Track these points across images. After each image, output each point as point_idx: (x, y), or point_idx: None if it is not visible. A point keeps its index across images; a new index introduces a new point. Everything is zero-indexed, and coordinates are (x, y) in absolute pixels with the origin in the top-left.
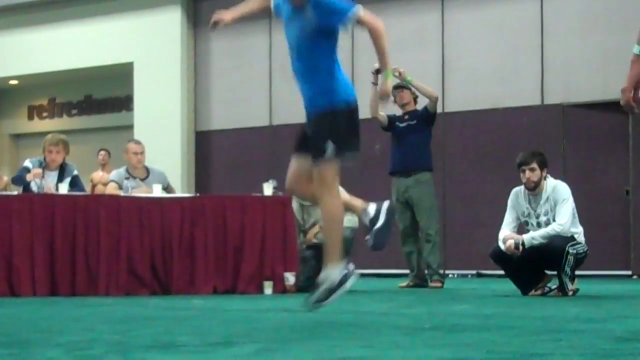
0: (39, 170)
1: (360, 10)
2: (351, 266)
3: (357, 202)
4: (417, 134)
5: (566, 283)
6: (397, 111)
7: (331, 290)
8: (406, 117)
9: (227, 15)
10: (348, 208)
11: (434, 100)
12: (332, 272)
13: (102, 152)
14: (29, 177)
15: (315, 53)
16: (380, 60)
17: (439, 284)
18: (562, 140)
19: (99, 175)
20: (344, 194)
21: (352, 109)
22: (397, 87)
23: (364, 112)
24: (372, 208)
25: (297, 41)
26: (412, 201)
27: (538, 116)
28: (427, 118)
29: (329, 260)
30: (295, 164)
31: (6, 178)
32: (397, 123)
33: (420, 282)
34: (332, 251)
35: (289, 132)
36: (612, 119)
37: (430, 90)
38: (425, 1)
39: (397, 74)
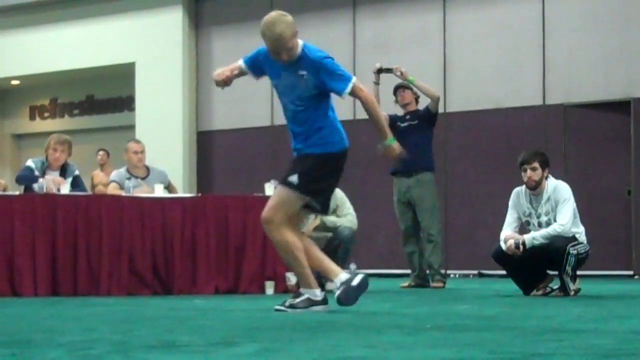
0: (59, 179)
1: (357, 82)
2: (352, 266)
3: (334, 267)
4: (419, 134)
5: (568, 283)
6: (399, 111)
7: (310, 303)
8: (407, 117)
9: (225, 71)
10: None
11: (435, 100)
12: (311, 292)
13: (101, 152)
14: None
15: (312, 112)
16: (379, 128)
17: (440, 284)
18: (564, 140)
19: (99, 175)
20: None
21: (332, 156)
22: (398, 87)
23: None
24: (344, 275)
25: (295, 96)
26: (414, 201)
27: (539, 116)
28: (428, 118)
29: (302, 286)
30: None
31: (3, 181)
32: (399, 123)
33: (421, 282)
34: (301, 279)
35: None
36: (613, 119)
37: (432, 90)
38: (427, 1)
39: (398, 73)
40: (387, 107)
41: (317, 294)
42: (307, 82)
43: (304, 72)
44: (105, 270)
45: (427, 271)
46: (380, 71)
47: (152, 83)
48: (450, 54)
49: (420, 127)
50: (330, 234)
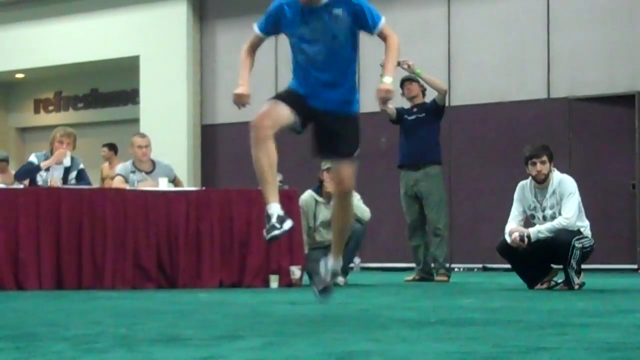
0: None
1: (385, 24)
2: (357, 259)
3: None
4: (426, 127)
5: (572, 277)
6: (406, 104)
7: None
8: (415, 109)
9: (244, 91)
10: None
11: (442, 93)
12: (339, 264)
13: (105, 149)
14: (45, 164)
15: (347, 55)
16: (388, 63)
17: (445, 278)
18: (568, 133)
19: (106, 168)
20: None
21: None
22: (405, 80)
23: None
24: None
25: (327, 48)
26: (421, 195)
27: (544, 110)
28: (435, 111)
29: (338, 253)
30: (279, 109)
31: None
32: (406, 116)
33: (426, 276)
34: (342, 246)
35: None
36: (618, 113)
37: (439, 83)
38: None
39: (405, 66)
40: (394, 100)
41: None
42: (342, 22)
43: (339, 11)
44: (110, 264)
45: (432, 265)
46: None
47: (156, 76)
48: (455, 48)
49: (428, 120)
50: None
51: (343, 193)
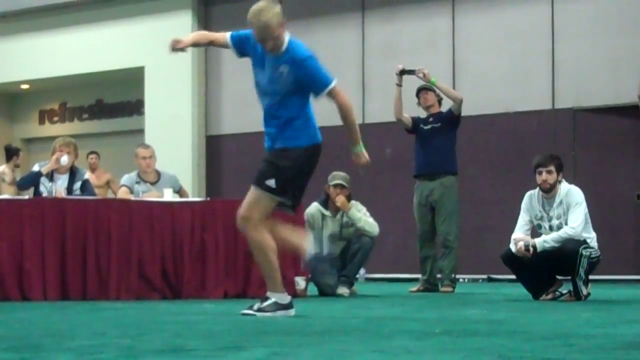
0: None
1: (337, 86)
2: (362, 270)
3: (298, 240)
4: (442, 137)
5: (580, 287)
6: (422, 113)
7: (277, 307)
8: (430, 119)
9: (185, 39)
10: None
11: (458, 102)
12: (278, 296)
13: (92, 156)
14: (45, 169)
15: (287, 106)
16: (350, 134)
17: (450, 289)
18: (573, 144)
19: (91, 177)
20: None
21: (306, 150)
22: (421, 89)
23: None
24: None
25: (271, 90)
26: (435, 205)
27: (549, 120)
28: (451, 120)
29: (270, 289)
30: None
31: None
32: (422, 125)
33: (430, 287)
34: (270, 282)
35: None
36: (623, 124)
37: (454, 92)
38: (436, 5)
39: (421, 75)
40: (410, 109)
41: (284, 298)
42: (286, 78)
43: (285, 68)
44: (115, 274)
45: (438, 276)
46: (402, 73)
47: (161, 87)
48: (460, 58)
49: (444, 129)
50: (343, 243)
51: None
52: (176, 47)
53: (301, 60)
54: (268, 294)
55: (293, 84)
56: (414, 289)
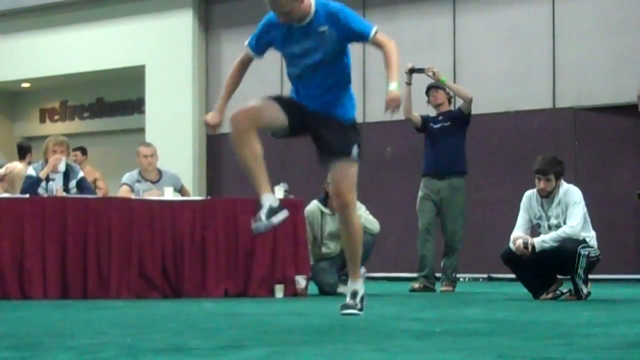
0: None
1: (378, 31)
2: (362, 269)
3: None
4: (452, 136)
5: (580, 286)
6: (431, 112)
7: (363, 299)
8: (440, 118)
9: (216, 117)
10: None
11: (468, 101)
12: (360, 285)
13: (76, 152)
14: (43, 173)
15: (337, 69)
16: (391, 70)
17: (450, 288)
18: (574, 143)
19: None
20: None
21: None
22: (431, 88)
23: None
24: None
25: (319, 57)
26: (442, 204)
27: (550, 119)
28: (461, 119)
29: (356, 274)
30: (266, 105)
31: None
32: (431, 124)
33: (430, 285)
34: (358, 265)
35: None
36: (624, 123)
37: (464, 91)
38: (437, 4)
39: (430, 73)
40: (420, 108)
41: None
42: (330, 37)
43: (324, 28)
44: (115, 273)
45: (438, 274)
46: (412, 71)
47: (162, 86)
48: (460, 57)
49: (453, 128)
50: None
51: (341, 205)
52: (214, 126)
53: (338, 12)
54: (355, 282)
55: (338, 41)
56: (415, 286)
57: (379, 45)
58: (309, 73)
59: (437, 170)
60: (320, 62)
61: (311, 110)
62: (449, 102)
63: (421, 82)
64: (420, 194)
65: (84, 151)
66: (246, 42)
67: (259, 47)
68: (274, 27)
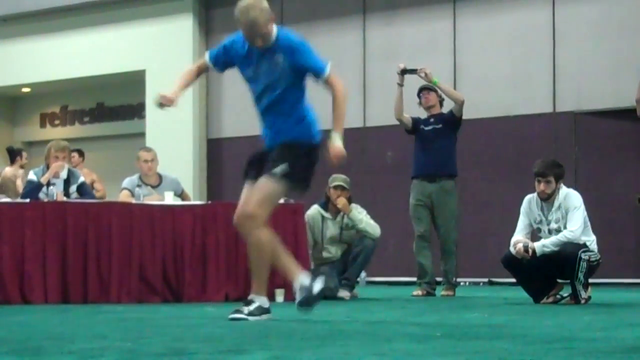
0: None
1: (331, 71)
2: (362, 274)
3: (294, 267)
4: (443, 139)
5: (579, 291)
6: (422, 113)
7: (262, 311)
8: (431, 120)
9: (171, 95)
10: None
11: (460, 104)
12: (262, 300)
13: (73, 154)
14: (44, 178)
15: (290, 100)
16: (336, 121)
17: (451, 292)
18: (574, 147)
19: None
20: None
21: (315, 148)
22: (423, 89)
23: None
24: (305, 279)
25: (271, 83)
26: (434, 207)
27: (550, 124)
28: (453, 122)
29: (256, 292)
30: (247, 193)
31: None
32: (422, 126)
33: (432, 291)
34: (259, 284)
35: None
36: (624, 127)
37: (456, 93)
38: (437, 8)
39: (423, 74)
40: (411, 109)
41: (266, 302)
42: (284, 67)
43: (280, 57)
44: (116, 277)
45: (438, 279)
46: (404, 72)
47: (162, 90)
48: (461, 62)
49: (445, 131)
50: (344, 246)
51: (241, 216)
52: (164, 103)
53: (296, 45)
54: (253, 297)
55: (291, 73)
56: (417, 292)
57: (330, 85)
58: (261, 97)
59: (428, 173)
60: (268, 88)
61: (267, 149)
62: (441, 104)
63: (414, 84)
64: (412, 200)
65: (81, 153)
66: (207, 52)
67: (217, 62)
68: (237, 47)
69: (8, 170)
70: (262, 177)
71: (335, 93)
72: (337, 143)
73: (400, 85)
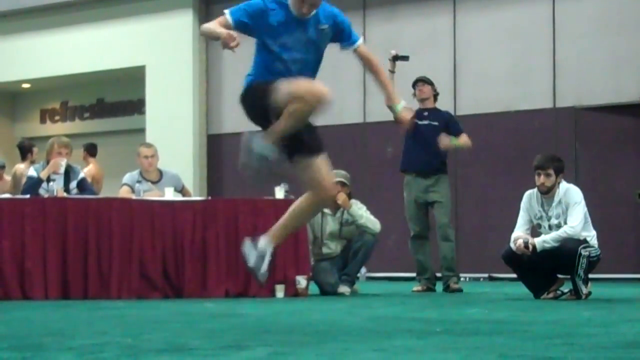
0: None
1: (363, 43)
2: (362, 269)
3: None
4: (438, 136)
5: (580, 286)
6: (414, 104)
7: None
8: (425, 114)
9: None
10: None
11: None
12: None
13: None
14: (43, 174)
15: (319, 62)
16: (387, 87)
17: (459, 286)
18: (574, 143)
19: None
20: None
21: None
22: (419, 80)
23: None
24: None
25: (307, 58)
26: (432, 200)
27: (550, 119)
28: (451, 127)
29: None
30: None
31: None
32: (416, 120)
33: (432, 286)
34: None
35: None
36: (624, 122)
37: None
38: (438, 4)
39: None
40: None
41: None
42: (326, 36)
43: (325, 26)
44: (116, 273)
45: (445, 273)
46: (395, 58)
47: (162, 86)
48: (461, 57)
49: (440, 130)
50: (343, 242)
51: (330, 197)
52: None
53: (337, 13)
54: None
55: (329, 41)
56: (418, 288)
57: (362, 55)
58: (293, 67)
59: (424, 169)
60: (309, 58)
61: None
62: (435, 98)
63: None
64: (407, 197)
65: (89, 148)
66: (227, 13)
67: (240, 27)
68: (272, 12)
69: (20, 167)
70: (317, 156)
71: (375, 62)
72: (404, 106)
73: (392, 72)
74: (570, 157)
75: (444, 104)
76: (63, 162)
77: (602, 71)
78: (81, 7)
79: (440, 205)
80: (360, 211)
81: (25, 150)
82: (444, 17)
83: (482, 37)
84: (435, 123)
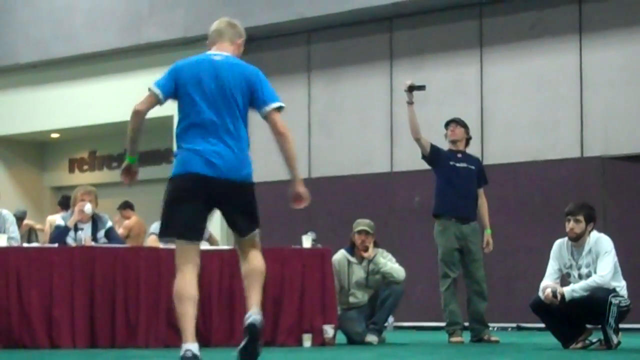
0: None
1: (278, 110)
2: (390, 319)
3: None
4: (475, 182)
5: (611, 336)
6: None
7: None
8: (459, 156)
9: (130, 173)
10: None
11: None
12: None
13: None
14: (71, 221)
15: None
16: (293, 167)
17: (498, 338)
18: (602, 192)
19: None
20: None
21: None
22: (452, 121)
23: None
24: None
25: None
26: (468, 250)
27: (577, 169)
28: (480, 174)
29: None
30: (192, 259)
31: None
32: (452, 162)
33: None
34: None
35: (327, 184)
36: None
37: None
38: (464, 54)
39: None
40: (432, 136)
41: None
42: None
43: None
44: (143, 322)
45: (476, 326)
46: (412, 89)
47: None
48: (488, 106)
49: (475, 176)
50: (370, 291)
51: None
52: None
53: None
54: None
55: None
56: (459, 339)
57: (275, 123)
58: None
59: (462, 215)
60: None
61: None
62: (467, 142)
63: (437, 117)
64: (445, 242)
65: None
66: (155, 87)
67: (170, 91)
68: (198, 66)
69: (52, 218)
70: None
71: (280, 132)
72: (302, 188)
73: (410, 103)
74: (599, 206)
75: (471, 152)
76: (87, 207)
77: (629, 120)
78: (109, 58)
79: (476, 256)
80: (385, 259)
81: (67, 203)
82: (471, 67)
83: (509, 86)
84: (472, 167)
